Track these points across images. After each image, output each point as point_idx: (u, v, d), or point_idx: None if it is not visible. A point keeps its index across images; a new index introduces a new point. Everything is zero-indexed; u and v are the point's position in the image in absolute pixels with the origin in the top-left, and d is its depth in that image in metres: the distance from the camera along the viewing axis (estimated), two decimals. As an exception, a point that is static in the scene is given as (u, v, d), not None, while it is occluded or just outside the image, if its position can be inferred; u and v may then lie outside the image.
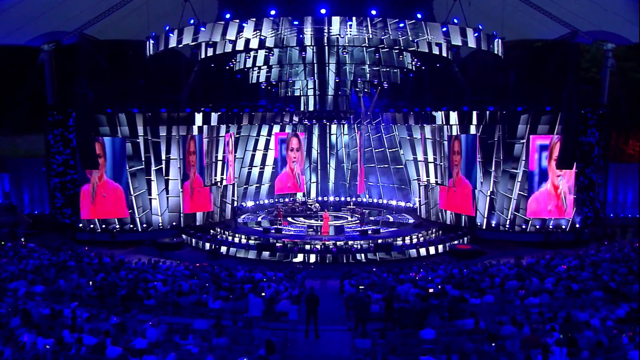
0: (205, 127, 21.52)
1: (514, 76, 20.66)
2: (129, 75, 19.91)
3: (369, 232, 19.80)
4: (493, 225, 19.78)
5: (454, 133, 21.00)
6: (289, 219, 22.73)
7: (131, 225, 19.36)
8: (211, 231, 20.42)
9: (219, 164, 22.53)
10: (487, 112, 19.60)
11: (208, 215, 21.43)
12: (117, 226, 19.08)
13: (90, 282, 10.69)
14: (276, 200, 25.80)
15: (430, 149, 22.68)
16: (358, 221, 21.39)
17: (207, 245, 18.63)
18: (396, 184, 25.40)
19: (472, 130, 20.16)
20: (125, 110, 18.90)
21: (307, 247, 17.71)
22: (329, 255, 17.17)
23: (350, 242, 18.07)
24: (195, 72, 21.70)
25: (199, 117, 20.69)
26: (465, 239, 19.40)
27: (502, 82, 20.77)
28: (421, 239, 19.36)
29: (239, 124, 23.11)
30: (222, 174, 22.67)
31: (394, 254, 17.40)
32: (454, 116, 20.66)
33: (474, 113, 19.95)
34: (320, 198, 26.62)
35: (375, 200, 26.00)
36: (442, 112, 20.99)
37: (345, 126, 25.71)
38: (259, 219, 23.29)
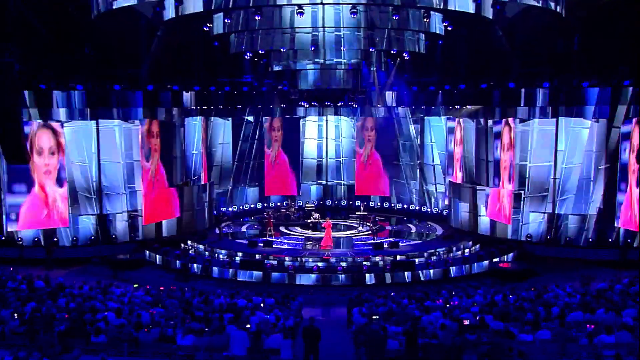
0: (175, 110, 21.63)
1: (578, 42, 20.49)
2: (71, 42, 19.88)
3: (385, 245, 19.98)
4: (549, 237, 19.76)
5: (498, 117, 21.03)
6: (282, 228, 23.00)
7: (73, 238, 19.35)
8: (181, 245, 20.44)
9: (194, 157, 22.68)
10: (542, 89, 19.57)
11: (179, 224, 21.55)
12: (55, 239, 19.07)
13: (16, 315, 10.54)
14: (266, 204, 26.10)
15: (467, 138, 22.66)
16: (370, 232, 21.55)
17: (176, 263, 18.66)
18: (420, 184, 25.65)
19: (521, 113, 20.13)
20: (65, 87, 18.94)
21: (305, 265, 17.94)
22: (333, 275, 17.28)
23: (360, 259, 18.19)
24: (158, 39, 21.49)
25: (165, 97, 21.07)
26: (511, 255, 19.43)
27: (563, 50, 20.67)
28: (452, 254, 19.41)
29: (218, 106, 23.23)
30: (196, 170, 22.74)
31: (417, 273, 17.57)
32: (498, 94, 20.79)
33: (523, 91, 19.95)
34: (322, 202, 26.87)
35: (393, 205, 26.25)
36: (482, 89, 21.06)
37: (355, 109, 25.95)
38: (243, 228, 23.63)
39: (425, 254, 18.93)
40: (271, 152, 25.70)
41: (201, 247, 20.24)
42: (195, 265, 18.27)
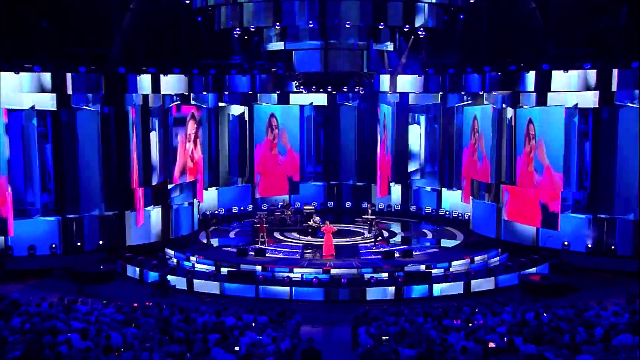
0: (151, 96, 21.58)
1: (626, 16, 20.29)
2: (25, 15, 19.75)
3: (396, 254, 19.88)
4: (590, 245, 19.71)
5: (527, 104, 20.98)
6: (277, 234, 22.99)
7: (30, 246, 19.46)
8: (159, 254, 20.35)
9: (179, 152, 22.82)
10: (581, 71, 19.51)
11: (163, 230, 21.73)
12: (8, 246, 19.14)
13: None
14: (257, 206, 26.16)
15: (489, 129, 22.59)
16: (376, 238, 21.47)
17: (153, 275, 18.56)
18: (438, 183, 25.66)
19: (562, 99, 20.06)
20: (21, 67, 18.91)
21: (303, 277, 17.84)
22: (336, 289, 17.24)
23: (367, 270, 18.13)
24: (132, 14, 21.41)
25: (142, 81, 20.87)
26: (545, 265, 19.42)
27: (607, 26, 20.60)
28: (475, 265, 19.36)
29: (201, 91, 23.25)
30: (179, 168, 22.83)
31: (435, 287, 17.49)
32: (530, 78, 20.55)
33: (560, 73, 19.80)
34: (323, 204, 26.86)
35: (405, 207, 26.32)
36: (510, 72, 20.97)
37: (361, 95, 25.87)
38: (232, 234, 23.58)
39: (442, 265, 18.93)
40: (265, 146, 25.73)
41: (182, 256, 20.21)
42: (175, 278, 18.21)
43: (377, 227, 21.71)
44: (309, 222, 22.71)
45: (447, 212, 25.44)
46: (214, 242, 22.13)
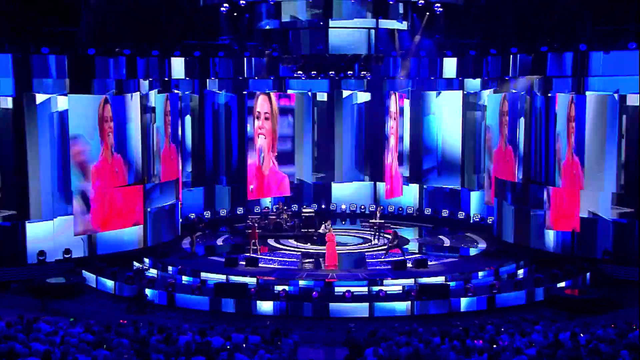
0: (126, 82, 21.65)
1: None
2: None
3: (409, 264, 19.95)
4: (634, 255, 19.78)
5: (561, 91, 20.95)
6: (271, 241, 23.09)
7: None
8: (135, 264, 20.40)
9: (154, 145, 22.79)
10: (625, 51, 19.38)
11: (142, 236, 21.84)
12: None
13: None
14: (249, 208, 26.30)
15: (517, 120, 22.62)
16: (388, 246, 21.48)
17: (128, 288, 18.58)
18: (458, 182, 25.77)
19: (602, 85, 19.96)
20: None
21: (302, 290, 17.90)
22: (339, 304, 17.28)
23: (375, 283, 18.20)
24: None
25: (115, 65, 21.03)
26: (581, 278, 19.41)
27: None
28: (500, 277, 19.39)
29: (185, 77, 23.40)
30: (158, 165, 22.85)
31: (453, 302, 17.52)
32: (565, 61, 20.53)
33: (600, 55, 19.67)
34: (323, 206, 27.02)
35: (420, 211, 26.44)
36: (540, 53, 20.92)
37: (369, 81, 25.99)
38: (220, 241, 23.58)
39: (461, 276, 18.97)
40: (259, 140, 25.82)
41: (160, 266, 20.26)
42: (154, 292, 18.16)
43: (395, 233, 21.55)
44: (320, 230, 22.34)
45: (468, 216, 25.56)
46: (200, 250, 22.24)
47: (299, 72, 21.84)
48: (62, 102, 20.17)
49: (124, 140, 21.40)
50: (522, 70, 21.76)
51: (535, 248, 21.50)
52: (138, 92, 21.82)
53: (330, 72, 21.90)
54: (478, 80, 24.38)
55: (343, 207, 27.45)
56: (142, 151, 21.79)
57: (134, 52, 21.30)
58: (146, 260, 20.73)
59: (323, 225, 22.11)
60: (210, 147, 26.16)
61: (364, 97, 27.26)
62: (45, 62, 20.01)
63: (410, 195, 26.80)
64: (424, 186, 26.66)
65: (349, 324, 15.92)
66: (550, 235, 21.26)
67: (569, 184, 20.54)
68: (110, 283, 19.07)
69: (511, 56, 21.80)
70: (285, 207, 25.09)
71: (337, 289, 17.97)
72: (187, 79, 23.83)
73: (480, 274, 19.41)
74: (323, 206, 27.31)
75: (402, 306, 17.32)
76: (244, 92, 25.74)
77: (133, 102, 21.61)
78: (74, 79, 20.48)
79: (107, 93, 20.97)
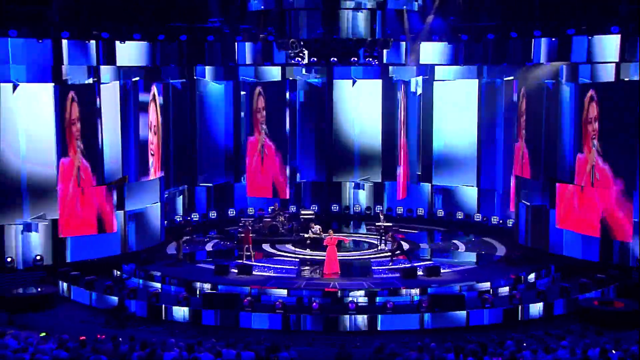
0: (105, 69, 21.46)
1: None
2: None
3: (420, 272, 19.97)
4: None
5: (589, 79, 20.87)
6: (266, 246, 23.26)
7: None
8: (115, 272, 20.38)
9: (136, 140, 22.82)
10: None
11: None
12: None
13: None
14: (242, 210, 26.33)
15: (543, 111, 22.57)
16: (394, 252, 21.59)
17: (107, 299, 18.51)
18: (475, 181, 25.86)
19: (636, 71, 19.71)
20: None
21: (301, 301, 17.85)
22: (343, 317, 17.22)
23: (381, 292, 18.22)
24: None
25: (90, 49, 20.85)
26: (611, 288, 19.22)
27: None
28: (521, 286, 19.32)
29: (169, 63, 23.29)
30: (139, 162, 22.86)
31: (469, 314, 17.46)
32: (596, 45, 20.12)
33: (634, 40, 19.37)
34: (326, 207, 27.04)
35: (432, 212, 26.50)
36: (567, 37, 20.72)
37: (375, 69, 25.86)
38: (209, 246, 23.77)
39: (478, 285, 18.98)
40: (254, 133, 26.03)
41: (141, 275, 20.22)
42: (135, 303, 18.10)
43: (393, 238, 21.66)
44: (307, 234, 22.77)
45: (486, 219, 25.53)
46: (188, 256, 22.30)
47: (297, 58, 21.70)
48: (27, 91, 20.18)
49: (99, 135, 21.36)
50: (546, 56, 21.57)
51: (560, 254, 21.49)
52: (117, 81, 21.80)
53: (332, 58, 21.71)
54: (496, 67, 24.35)
55: (357, 208, 27.53)
56: (121, 147, 21.78)
57: (113, 36, 21.19)
58: (127, 267, 20.68)
59: (311, 230, 22.49)
60: (200, 141, 26.16)
61: (369, 85, 27.24)
62: (9, 46, 19.87)
63: (420, 196, 26.86)
64: (434, 185, 26.73)
65: (354, 340, 16.05)
66: (577, 240, 21.16)
67: (595, 183, 20.50)
68: (86, 293, 19.03)
69: (534, 40, 21.58)
70: (281, 209, 25.10)
71: (340, 299, 17.98)
72: (173, 65, 23.72)
73: (499, 283, 19.36)
74: (336, 207, 27.54)
75: (413, 319, 17.29)
76: (238, 81, 25.79)
77: (111, 91, 21.56)
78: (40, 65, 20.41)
79: (81, 80, 20.94)
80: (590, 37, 20.21)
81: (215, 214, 26.30)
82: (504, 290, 18.99)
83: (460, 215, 26.04)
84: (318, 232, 22.51)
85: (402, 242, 22.28)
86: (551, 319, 17.73)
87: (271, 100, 26.26)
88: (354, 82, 26.99)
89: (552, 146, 22.27)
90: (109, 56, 21.17)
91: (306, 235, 22.70)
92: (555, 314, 17.92)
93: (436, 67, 25.24)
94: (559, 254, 21.56)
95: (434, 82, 26.14)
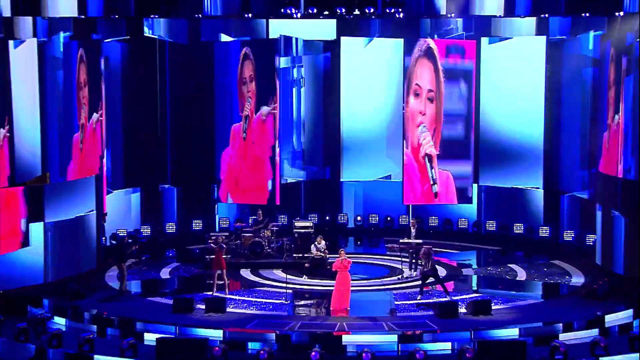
0: (20, 22, 21.67)
1: None
2: None
3: (462, 309, 20.02)
4: None
5: None
6: (246, 272, 23.50)
7: None
8: (31, 309, 20.26)
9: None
10: None
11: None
12: None
13: None
14: (208, 221, 26.91)
15: (633, 80, 22.45)
16: (427, 281, 21.63)
17: (20, 347, 18.17)
18: (542, 181, 26.13)
19: None
20: None
21: (296, 349, 17.70)
22: None
23: (410, 337, 18.22)
24: None
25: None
26: None
27: None
28: (607, 330, 19.15)
29: (111, 15, 23.42)
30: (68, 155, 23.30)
31: None
32: None
33: None
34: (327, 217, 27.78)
35: (478, 224, 27.01)
36: None
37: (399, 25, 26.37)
38: (165, 272, 24.17)
39: (550, 328, 18.86)
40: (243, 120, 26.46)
41: (74, 312, 20.05)
42: (61, 351, 17.75)
43: (427, 258, 21.52)
44: (311, 253, 22.90)
45: (557, 234, 25.78)
46: (134, 286, 22.50)
47: (290, 7, 22.11)
48: None
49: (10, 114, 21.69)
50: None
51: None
52: (34, 39, 22.00)
53: (339, 8, 22.04)
54: (568, 20, 24.72)
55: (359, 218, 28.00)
56: (40, 131, 22.02)
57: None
58: (49, 302, 20.50)
59: (314, 245, 22.84)
60: (155, 126, 26.64)
61: (389, 46, 27.47)
62: None
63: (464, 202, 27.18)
64: (482, 185, 27.28)
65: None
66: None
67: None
68: (-10, 338, 19.15)
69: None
70: (268, 220, 25.16)
71: (349, 346, 17.83)
72: (115, 17, 23.89)
73: (576, 326, 19.11)
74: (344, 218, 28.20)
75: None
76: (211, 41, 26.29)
77: (25, 53, 21.93)
78: None
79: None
80: None
81: (174, 227, 26.47)
82: (583, 335, 18.79)
83: (519, 228, 26.13)
84: (323, 250, 22.57)
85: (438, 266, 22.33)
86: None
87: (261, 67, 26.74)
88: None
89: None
90: (23, 4, 21.30)
91: (312, 254, 22.72)
92: (657, 370, 18.10)
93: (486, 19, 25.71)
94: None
95: (481, 42, 26.54)
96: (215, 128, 27.39)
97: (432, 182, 26.82)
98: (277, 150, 26.70)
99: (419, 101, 26.66)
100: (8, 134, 21.69)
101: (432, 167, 26.62)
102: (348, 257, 20.79)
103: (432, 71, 26.57)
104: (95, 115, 24.13)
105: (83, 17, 22.74)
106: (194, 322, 19.09)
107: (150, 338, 18.11)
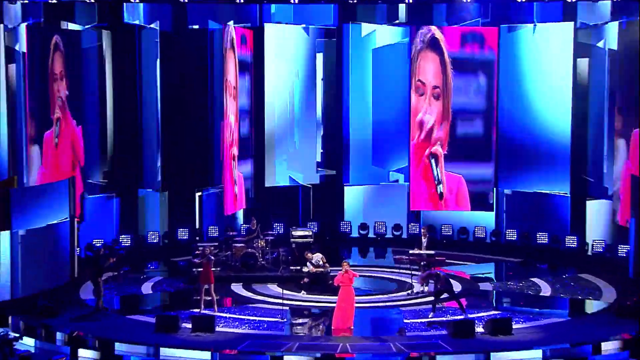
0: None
1: None
2: None
3: (480, 329, 19.94)
4: None
5: None
6: (237, 287, 23.61)
7: None
8: None
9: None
10: None
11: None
12: None
13: None
14: (194, 230, 27.19)
15: None
16: (441, 297, 21.59)
17: None
18: (569, 185, 26.17)
19: None
20: None
21: None
22: None
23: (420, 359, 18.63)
24: None
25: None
26: None
27: None
28: None
29: None
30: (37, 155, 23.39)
31: None
32: None
33: None
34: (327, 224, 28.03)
35: (497, 233, 26.94)
36: None
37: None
38: (147, 287, 24.32)
39: (577, 350, 18.68)
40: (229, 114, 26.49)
41: (45, 331, 19.96)
42: None
43: (437, 281, 21.44)
44: (306, 267, 23.16)
45: (584, 244, 25.78)
46: (112, 303, 22.62)
47: None
48: None
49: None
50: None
51: None
52: (1, 24, 22.04)
53: None
54: (600, 4, 24.55)
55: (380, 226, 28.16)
56: (7, 127, 22.00)
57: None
58: (17, 321, 20.37)
59: (309, 262, 22.99)
60: (138, 124, 26.79)
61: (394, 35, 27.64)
62: None
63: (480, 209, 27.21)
64: (501, 190, 27.30)
65: None
66: None
67: None
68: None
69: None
70: (259, 225, 25.25)
71: None
72: (92, 1, 24.01)
73: (606, 346, 18.92)
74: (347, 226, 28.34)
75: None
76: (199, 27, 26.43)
77: None
78: None
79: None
80: None
81: (156, 237, 26.56)
82: (614, 357, 18.74)
83: (543, 237, 26.06)
84: (321, 263, 22.52)
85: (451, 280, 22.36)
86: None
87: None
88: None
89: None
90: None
91: (305, 269, 22.85)
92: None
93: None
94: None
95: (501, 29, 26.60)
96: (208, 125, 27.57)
97: (436, 182, 26.96)
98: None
99: (423, 99, 26.71)
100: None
101: (437, 166, 26.72)
102: (353, 270, 20.76)
103: (437, 64, 26.57)
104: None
105: (55, 1, 22.93)
106: (179, 342, 18.94)
107: (130, 360, 18.65)
